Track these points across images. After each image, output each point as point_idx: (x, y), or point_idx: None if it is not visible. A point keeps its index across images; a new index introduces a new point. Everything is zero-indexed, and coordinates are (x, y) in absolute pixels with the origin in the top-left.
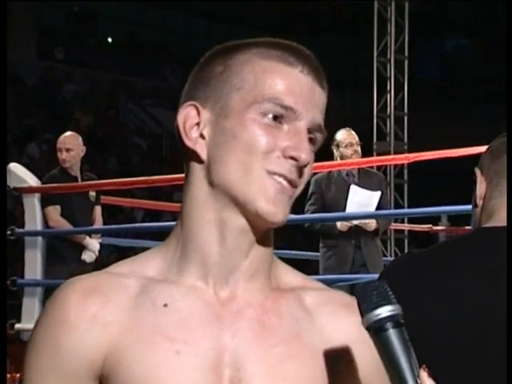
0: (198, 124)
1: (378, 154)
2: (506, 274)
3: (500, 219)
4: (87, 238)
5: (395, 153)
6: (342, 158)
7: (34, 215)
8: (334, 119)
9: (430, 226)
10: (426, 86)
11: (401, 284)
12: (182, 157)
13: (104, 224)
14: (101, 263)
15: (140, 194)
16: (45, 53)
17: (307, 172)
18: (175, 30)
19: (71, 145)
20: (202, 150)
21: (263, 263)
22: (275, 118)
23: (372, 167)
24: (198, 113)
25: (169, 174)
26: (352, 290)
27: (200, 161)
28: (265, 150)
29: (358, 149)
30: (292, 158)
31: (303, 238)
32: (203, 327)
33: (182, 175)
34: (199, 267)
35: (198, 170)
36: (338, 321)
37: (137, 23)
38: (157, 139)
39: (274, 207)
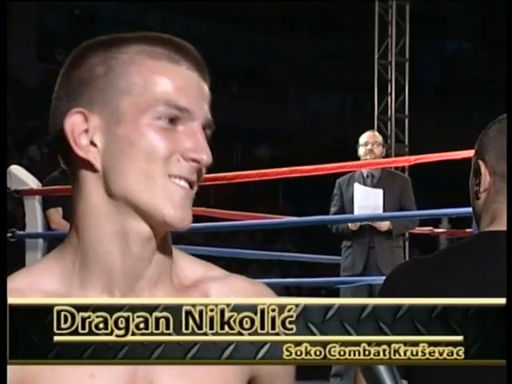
0: (86, 131)
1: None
2: (507, 277)
3: (502, 223)
4: None
5: (396, 155)
6: (359, 158)
7: (34, 217)
8: (334, 121)
9: (431, 228)
10: (427, 88)
11: (404, 286)
12: (67, 167)
13: None
14: None
15: None
16: (45, 55)
17: (204, 171)
18: (175, 31)
19: None
20: (95, 158)
21: (165, 266)
22: (170, 120)
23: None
24: (86, 119)
25: None
26: (371, 290)
27: (94, 170)
28: (165, 155)
29: (375, 149)
30: (193, 160)
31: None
32: None
33: None
34: (103, 278)
35: (92, 180)
36: None
37: (137, 25)
38: None
39: (182, 213)
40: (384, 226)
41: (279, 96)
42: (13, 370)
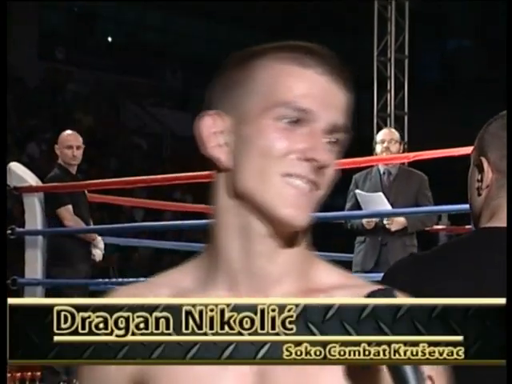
0: (221, 132)
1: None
2: (507, 277)
3: (502, 219)
4: (97, 236)
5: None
6: (376, 155)
7: (34, 214)
8: None
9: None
10: (426, 85)
11: (403, 282)
12: (208, 165)
13: (105, 224)
14: (103, 262)
15: (140, 193)
16: (45, 53)
17: (330, 173)
18: (175, 31)
19: (80, 142)
20: (225, 158)
21: (292, 266)
22: (291, 121)
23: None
24: (219, 121)
25: (169, 173)
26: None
27: (223, 169)
28: (280, 153)
29: (392, 146)
30: (309, 159)
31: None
32: None
33: (182, 174)
34: (228, 276)
35: (221, 178)
36: None
37: (137, 24)
38: (157, 139)
39: (294, 211)
40: (395, 225)
41: None
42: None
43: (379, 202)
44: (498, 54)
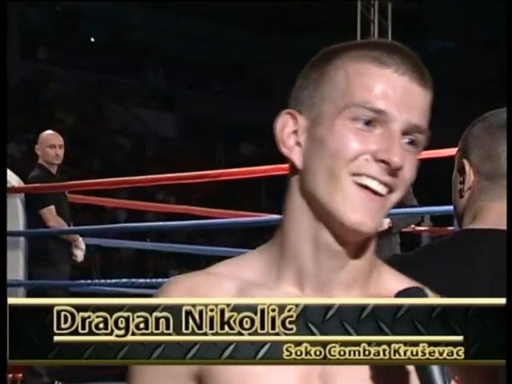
0: (295, 132)
1: None
2: (507, 277)
3: (485, 221)
4: (79, 237)
5: None
6: None
7: (16, 215)
8: None
9: (413, 226)
10: None
11: None
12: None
13: (87, 224)
14: (84, 263)
15: (122, 194)
16: (27, 52)
17: (406, 176)
18: (159, 30)
19: (61, 142)
20: (297, 158)
21: (361, 273)
22: (367, 122)
23: None
24: (296, 120)
25: (152, 174)
26: None
27: (296, 169)
28: (352, 154)
29: None
30: (383, 161)
31: None
32: None
33: (165, 175)
34: (295, 274)
35: (294, 179)
36: None
37: (120, 23)
38: (140, 139)
39: (363, 217)
40: (383, 224)
41: (264, 94)
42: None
43: None
44: (482, 54)
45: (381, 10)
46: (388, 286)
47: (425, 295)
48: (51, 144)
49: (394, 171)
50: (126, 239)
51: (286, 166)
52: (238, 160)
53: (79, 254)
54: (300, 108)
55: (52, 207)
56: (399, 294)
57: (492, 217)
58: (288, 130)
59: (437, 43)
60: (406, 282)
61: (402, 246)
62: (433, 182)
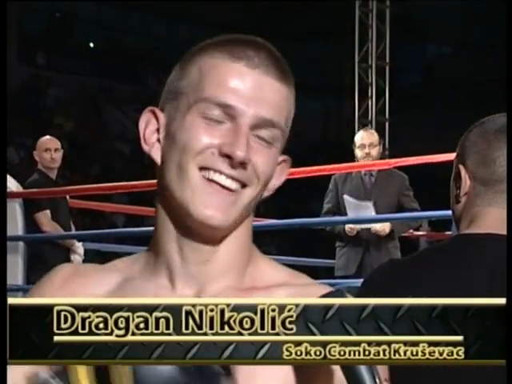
0: (156, 130)
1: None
2: (507, 277)
3: (481, 226)
4: (76, 242)
5: None
6: (356, 159)
7: (15, 220)
8: (315, 124)
9: (411, 230)
10: (407, 91)
11: (380, 286)
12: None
13: (86, 229)
14: None
15: (121, 199)
16: (26, 58)
17: (259, 170)
18: (158, 36)
19: (58, 146)
20: (157, 155)
21: (229, 265)
22: (216, 116)
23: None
24: (156, 118)
25: (151, 179)
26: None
27: (157, 166)
28: (199, 148)
29: (373, 150)
30: (227, 155)
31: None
32: None
33: None
34: (167, 269)
35: (157, 176)
36: None
37: (118, 28)
38: (139, 144)
39: (211, 210)
40: (383, 229)
41: None
42: None
43: (367, 211)
44: (480, 59)
45: (379, 14)
46: (261, 276)
47: (344, 297)
48: (46, 148)
49: (239, 165)
50: (125, 244)
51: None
52: None
53: (76, 260)
54: (162, 106)
55: (47, 212)
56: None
57: (488, 222)
58: (151, 127)
59: (434, 48)
60: (282, 272)
61: (399, 251)
62: (430, 186)
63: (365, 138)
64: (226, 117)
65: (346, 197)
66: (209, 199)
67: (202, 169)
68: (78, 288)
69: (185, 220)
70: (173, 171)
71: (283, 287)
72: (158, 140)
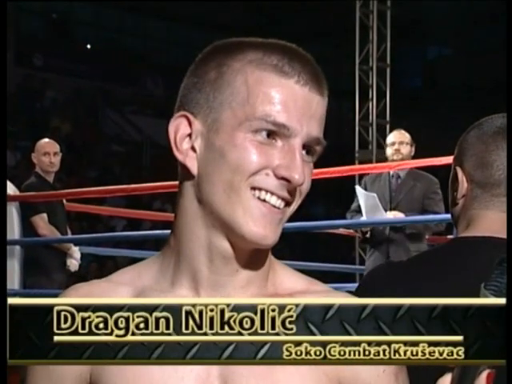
0: (189, 135)
1: (360, 163)
2: (507, 277)
3: (478, 229)
4: (72, 246)
5: (377, 161)
6: (387, 158)
7: (11, 224)
8: None
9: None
10: (408, 93)
11: (376, 287)
12: (178, 166)
13: (83, 233)
14: (80, 272)
15: (119, 202)
16: (23, 60)
17: (303, 188)
18: (155, 37)
19: (57, 149)
20: (192, 164)
21: (256, 275)
22: (268, 136)
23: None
24: (190, 123)
25: (149, 182)
26: None
27: (191, 175)
28: (253, 169)
29: (403, 148)
30: (284, 178)
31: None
32: None
33: (162, 183)
34: (190, 279)
35: (188, 184)
36: None
37: (116, 30)
38: (137, 147)
39: (264, 230)
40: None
41: None
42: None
43: (373, 201)
44: (480, 61)
45: (379, 16)
46: (284, 285)
47: None
48: (45, 152)
49: (294, 188)
50: (122, 248)
51: None
52: None
53: (73, 264)
54: (195, 111)
55: (44, 215)
56: None
57: (485, 224)
58: (182, 133)
59: (435, 50)
60: (301, 280)
61: None
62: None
63: (396, 137)
64: (279, 136)
65: (356, 187)
66: (262, 220)
67: (253, 188)
68: None
69: (228, 234)
70: (219, 188)
71: (306, 294)
72: (193, 148)
